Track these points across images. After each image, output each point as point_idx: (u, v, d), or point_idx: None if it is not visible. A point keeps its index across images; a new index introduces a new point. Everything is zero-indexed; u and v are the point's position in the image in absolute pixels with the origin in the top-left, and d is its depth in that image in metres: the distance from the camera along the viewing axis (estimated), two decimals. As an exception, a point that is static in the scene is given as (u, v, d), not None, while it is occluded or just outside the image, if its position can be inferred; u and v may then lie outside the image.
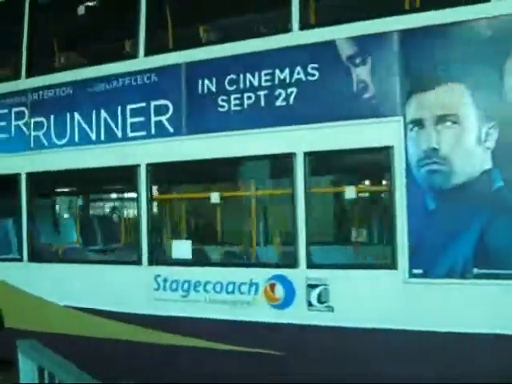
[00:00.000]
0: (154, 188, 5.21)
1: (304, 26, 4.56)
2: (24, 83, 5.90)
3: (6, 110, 5.99)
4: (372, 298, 4.27)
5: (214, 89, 4.86)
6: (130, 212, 5.66)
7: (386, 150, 4.29)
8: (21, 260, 5.88)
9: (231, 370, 4.68)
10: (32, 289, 5.73)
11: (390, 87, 4.27)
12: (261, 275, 4.68)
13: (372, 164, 4.86)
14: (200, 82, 4.91)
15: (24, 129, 5.89)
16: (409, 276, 4.16)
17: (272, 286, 4.65)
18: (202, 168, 5.12)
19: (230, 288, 4.79)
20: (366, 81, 4.31)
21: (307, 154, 4.51)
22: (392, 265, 4.25)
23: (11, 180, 5.99)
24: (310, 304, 4.45)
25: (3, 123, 6.03)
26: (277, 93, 4.60)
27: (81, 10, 5.71)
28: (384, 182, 5.17)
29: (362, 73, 4.33)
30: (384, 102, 4.29)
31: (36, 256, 5.86)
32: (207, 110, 4.89)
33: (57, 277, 5.64)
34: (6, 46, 6.07)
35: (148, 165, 5.16)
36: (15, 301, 5.87)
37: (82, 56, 5.94)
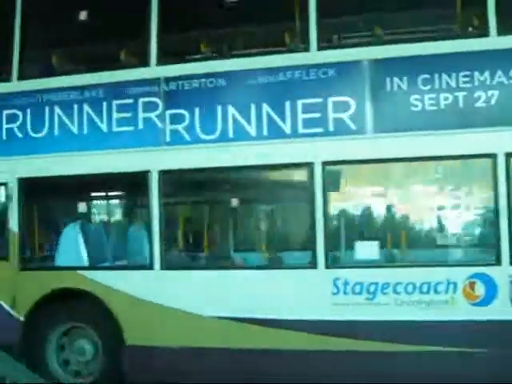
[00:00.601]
0: (329, 188, 4.97)
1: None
2: (155, 71, 5.35)
3: (131, 100, 5.39)
4: None
5: (405, 87, 4.82)
6: (299, 214, 5.31)
7: None
8: (151, 268, 5.30)
9: (431, 372, 4.65)
10: (167, 301, 5.17)
11: None
12: (459, 274, 4.70)
13: None
14: (388, 80, 4.84)
15: (156, 121, 5.33)
16: None
17: (472, 284, 4.70)
18: (387, 167, 5.02)
19: (425, 288, 4.75)
20: None
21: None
22: None
23: (137, 178, 5.38)
24: (514, 300, 4.55)
25: (127, 114, 5.41)
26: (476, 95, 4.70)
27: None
28: None
29: None
30: None
31: (171, 263, 5.32)
32: (398, 109, 4.83)
33: (202, 285, 5.14)
34: (131, 29, 5.46)
35: (324, 163, 4.94)
36: (141, 314, 5.25)
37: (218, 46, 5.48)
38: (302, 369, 4.93)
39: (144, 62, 5.36)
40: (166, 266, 5.25)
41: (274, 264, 5.36)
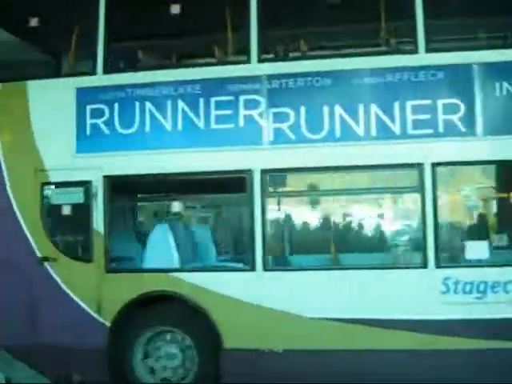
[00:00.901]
0: (439, 188, 5.01)
1: None
2: (257, 69, 5.25)
3: (231, 97, 5.26)
4: None
5: (514, 91, 4.94)
6: (407, 214, 5.30)
7: None
8: (252, 269, 5.17)
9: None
10: (269, 302, 5.05)
11: None
12: None
13: None
14: (497, 83, 4.95)
15: (258, 119, 5.23)
16: None
17: None
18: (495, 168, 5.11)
19: (535, 287, 4.86)
20: None
21: None
22: None
23: (237, 177, 5.26)
24: None
25: (227, 112, 5.28)
26: None
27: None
28: None
29: None
30: None
31: (275, 264, 5.22)
32: (508, 112, 4.94)
33: (306, 286, 5.06)
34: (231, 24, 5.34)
35: (434, 164, 4.98)
36: (241, 317, 5.11)
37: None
38: (412, 368, 4.94)
39: (244, 59, 5.29)
40: (269, 267, 5.17)
41: (383, 264, 5.36)
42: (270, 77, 5.19)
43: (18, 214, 5.58)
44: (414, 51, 5.07)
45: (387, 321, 4.95)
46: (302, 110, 5.13)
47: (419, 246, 5.03)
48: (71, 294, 5.45)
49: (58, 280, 5.47)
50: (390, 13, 5.24)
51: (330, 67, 5.16)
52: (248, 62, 5.25)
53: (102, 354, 5.29)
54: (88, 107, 5.49)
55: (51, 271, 5.50)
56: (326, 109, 5.10)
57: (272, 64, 5.27)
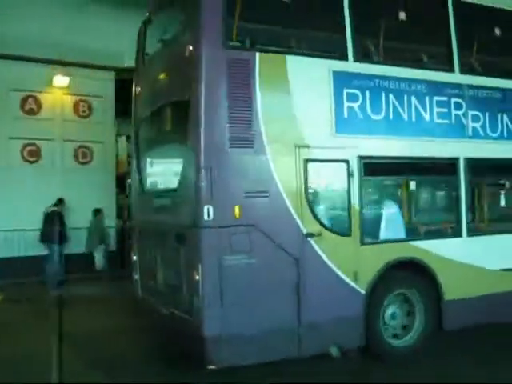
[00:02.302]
0: None
1: None
2: (458, 78, 6.53)
3: (444, 98, 6.39)
4: None
5: None
6: None
7: None
8: (460, 236, 6.48)
9: None
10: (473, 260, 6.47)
11: None
12: None
13: None
14: None
15: (462, 118, 6.49)
16: None
17: None
18: None
19: None
20: None
21: None
22: None
23: (448, 163, 6.50)
24: None
25: (442, 110, 6.37)
26: None
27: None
28: None
29: None
30: None
31: (473, 231, 6.62)
32: None
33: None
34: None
35: None
36: (455, 274, 6.32)
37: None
38: None
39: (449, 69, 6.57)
40: (470, 234, 6.56)
41: None
42: (470, 86, 6.67)
43: (281, 190, 5.41)
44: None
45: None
46: (487, 114, 6.78)
47: None
48: (334, 268, 5.63)
49: (323, 255, 5.57)
50: None
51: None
52: (452, 71, 6.58)
53: (359, 321, 5.73)
54: (345, 91, 5.79)
55: (315, 247, 5.55)
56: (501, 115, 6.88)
57: (470, 77, 6.71)
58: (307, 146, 5.62)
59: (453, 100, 6.56)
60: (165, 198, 6.21)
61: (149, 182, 6.97)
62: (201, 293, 5.10)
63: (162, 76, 6.29)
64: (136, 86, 7.28)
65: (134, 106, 7.36)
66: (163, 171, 6.81)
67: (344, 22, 5.91)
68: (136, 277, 7.12)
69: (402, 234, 6.27)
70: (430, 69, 6.48)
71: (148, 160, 6.97)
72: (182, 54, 5.57)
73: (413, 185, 6.31)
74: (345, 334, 5.69)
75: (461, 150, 6.57)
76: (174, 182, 5.89)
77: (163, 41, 6.41)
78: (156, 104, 6.45)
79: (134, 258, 7.17)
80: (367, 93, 5.96)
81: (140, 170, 7.05)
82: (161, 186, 6.72)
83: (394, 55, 6.40)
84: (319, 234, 5.60)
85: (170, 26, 6.39)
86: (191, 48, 5.42)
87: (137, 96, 7.24)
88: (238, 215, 5.21)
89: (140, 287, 7.00)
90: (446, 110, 6.48)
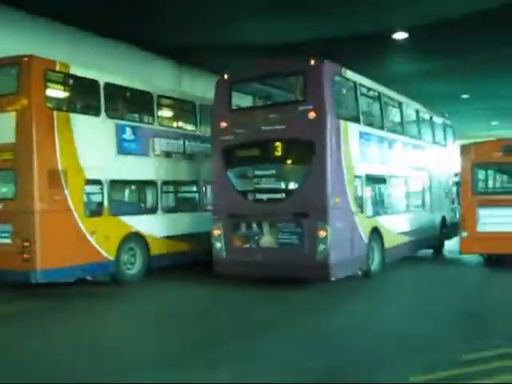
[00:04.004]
0: None
1: None
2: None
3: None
4: None
5: None
6: None
7: None
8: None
9: None
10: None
11: None
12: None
13: None
14: None
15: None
16: None
17: None
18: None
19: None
20: None
21: None
22: None
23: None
24: None
25: None
26: None
27: None
28: None
29: None
30: None
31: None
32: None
33: None
34: None
35: None
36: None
37: None
38: None
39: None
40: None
41: None
42: None
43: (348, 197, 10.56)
44: None
45: None
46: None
47: None
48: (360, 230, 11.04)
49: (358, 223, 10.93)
50: None
51: None
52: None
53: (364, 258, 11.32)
54: None
55: (356, 219, 10.85)
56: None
57: None
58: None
59: None
60: (277, 195, 10.66)
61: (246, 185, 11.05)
62: (328, 242, 9.89)
63: (271, 122, 10.60)
64: (219, 121, 11.11)
65: (214, 134, 11.26)
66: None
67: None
68: (219, 245, 10.95)
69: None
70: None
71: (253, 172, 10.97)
72: (304, 115, 10.17)
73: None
74: (361, 263, 11.26)
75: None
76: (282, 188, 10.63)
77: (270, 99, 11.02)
78: (256, 138, 10.73)
79: (218, 232, 10.94)
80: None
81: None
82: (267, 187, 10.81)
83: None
84: (358, 213, 11.05)
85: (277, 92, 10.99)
86: (314, 114, 10.08)
87: (221, 129, 11.14)
88: (337, 203, 10.27)
89: (225, 250, 10.97)
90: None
